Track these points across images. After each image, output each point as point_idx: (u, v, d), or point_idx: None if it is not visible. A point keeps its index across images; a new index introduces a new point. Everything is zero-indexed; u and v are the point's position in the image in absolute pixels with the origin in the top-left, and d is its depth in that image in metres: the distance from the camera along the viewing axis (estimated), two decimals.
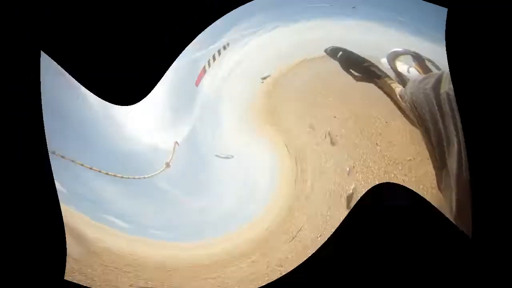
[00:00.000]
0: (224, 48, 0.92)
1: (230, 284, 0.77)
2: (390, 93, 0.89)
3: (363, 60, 0.93)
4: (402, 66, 1.05)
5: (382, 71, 0.91)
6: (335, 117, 0.89)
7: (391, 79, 0.90)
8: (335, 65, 0.90)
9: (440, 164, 0.63)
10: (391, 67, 1.05)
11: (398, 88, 0.86)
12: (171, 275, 0.78)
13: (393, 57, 1.06)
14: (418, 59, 1.06)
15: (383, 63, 1.12)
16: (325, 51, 0.92)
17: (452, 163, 0.55)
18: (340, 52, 0.93)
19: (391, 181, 0.75)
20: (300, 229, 0.81)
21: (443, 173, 0.61)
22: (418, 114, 0.70)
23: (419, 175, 0.74)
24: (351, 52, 0.92)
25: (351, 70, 0.92)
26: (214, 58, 0.93)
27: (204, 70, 0.95)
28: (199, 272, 0.79)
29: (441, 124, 0.57)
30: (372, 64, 0.92)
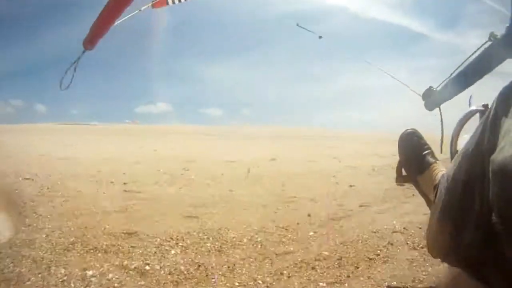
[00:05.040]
0: None
1: None
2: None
3: (425, 148, 0.99)
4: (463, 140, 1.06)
5: (435, 157, 0.97)
6: None
7: (437, 165, 0.93)
8: None
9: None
10: (451, 151, 1.07)
11: (439, 174, 0.86)
12: None
13: (458, 130, 1.08)
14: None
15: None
16: (402, 135, 1.04)
17: None
18: (414, 138, 1.01)
19: None
20: None
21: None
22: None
23: None
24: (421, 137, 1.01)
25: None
26: None
27: None
28: None
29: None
30: (430, 152, 0.98)
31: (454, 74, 1.07)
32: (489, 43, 0.90)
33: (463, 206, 0.54)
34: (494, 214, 0.45)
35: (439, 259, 0.76)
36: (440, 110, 1.20)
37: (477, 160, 0.53)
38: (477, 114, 1.02)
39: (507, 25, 0.84)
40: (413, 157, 0.98)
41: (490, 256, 0.49)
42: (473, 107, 1.02)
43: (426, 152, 0.97)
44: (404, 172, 1.06)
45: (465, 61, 1.03)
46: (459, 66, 1.05)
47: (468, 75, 1.02)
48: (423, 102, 1.21)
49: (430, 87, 1.18)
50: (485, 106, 1.00)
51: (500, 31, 0.88)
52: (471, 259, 0.52)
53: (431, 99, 1.19)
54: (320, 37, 1.37)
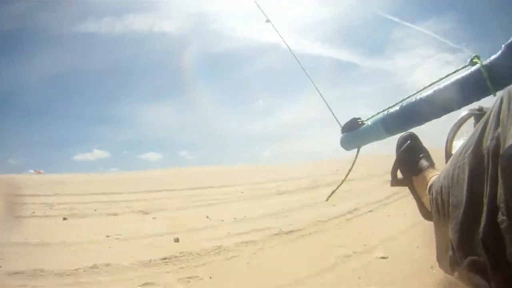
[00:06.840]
0: None
1: None
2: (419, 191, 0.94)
3: (422, 151, 0.98)
4: (459, 144, 0.99)
5: (431, 161, 0.95)
6: None
7: (433, 169, 0.92)
8: None
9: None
10: (446, 153, 1.07)
11: (433, 178, 0.85)
12: None
13: (452, 134, 1.06)
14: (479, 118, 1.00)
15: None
16: (400, 137, 1.01)
17: None
18: (409, 141, 0.99)
19: None
20: None
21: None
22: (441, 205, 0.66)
23: None
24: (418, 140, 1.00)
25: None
26: None
27: None
28: None
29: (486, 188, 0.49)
30: (427, 155, 0.97)
31: (396, 108, 0.81)
32: (469, 69, 0.67)
33: (470, 208, 0.53)
34: (501, 212, 0.44)
35: None
36: (358, 151, 0.95)
37: (479, 158, 0.52)
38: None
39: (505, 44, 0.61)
40: (409, 158, 0.98)
41: (493, 260, 0.48)
42: (467, 111, 1.03)
43: (423, 154, 0.97)
44: (399, 175, 1.05)
45: (417, 93, 0.76)
46: (403, 99, 0.79)
47: (422, 112, 0.76)
48: (340, 136, 0.95)
49: (357, 118, 0.90)
50: (480, 109, 1.00)
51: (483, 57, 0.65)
52: (478, 265, 0.51)
53: (352, 135, 0.92)
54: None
